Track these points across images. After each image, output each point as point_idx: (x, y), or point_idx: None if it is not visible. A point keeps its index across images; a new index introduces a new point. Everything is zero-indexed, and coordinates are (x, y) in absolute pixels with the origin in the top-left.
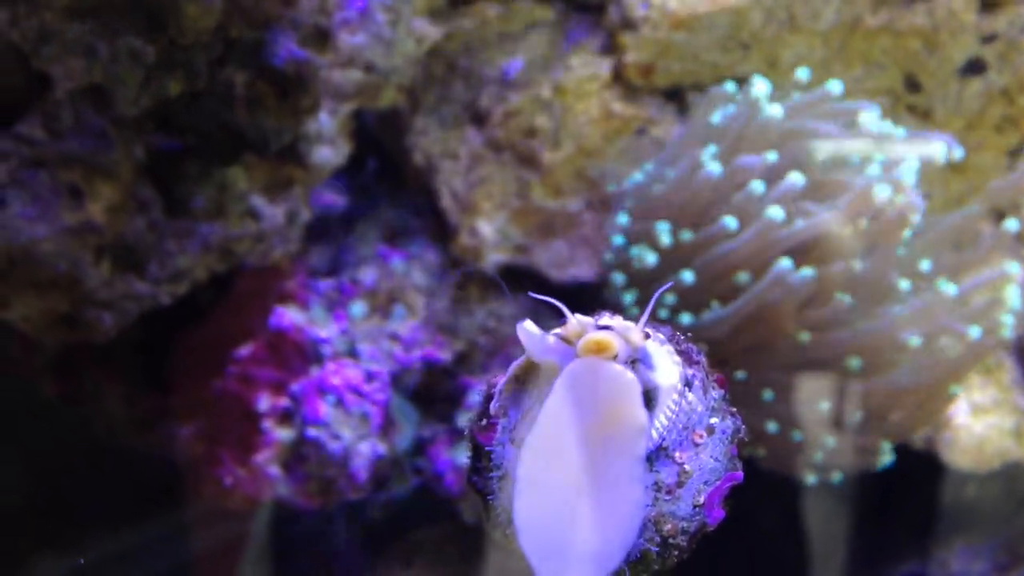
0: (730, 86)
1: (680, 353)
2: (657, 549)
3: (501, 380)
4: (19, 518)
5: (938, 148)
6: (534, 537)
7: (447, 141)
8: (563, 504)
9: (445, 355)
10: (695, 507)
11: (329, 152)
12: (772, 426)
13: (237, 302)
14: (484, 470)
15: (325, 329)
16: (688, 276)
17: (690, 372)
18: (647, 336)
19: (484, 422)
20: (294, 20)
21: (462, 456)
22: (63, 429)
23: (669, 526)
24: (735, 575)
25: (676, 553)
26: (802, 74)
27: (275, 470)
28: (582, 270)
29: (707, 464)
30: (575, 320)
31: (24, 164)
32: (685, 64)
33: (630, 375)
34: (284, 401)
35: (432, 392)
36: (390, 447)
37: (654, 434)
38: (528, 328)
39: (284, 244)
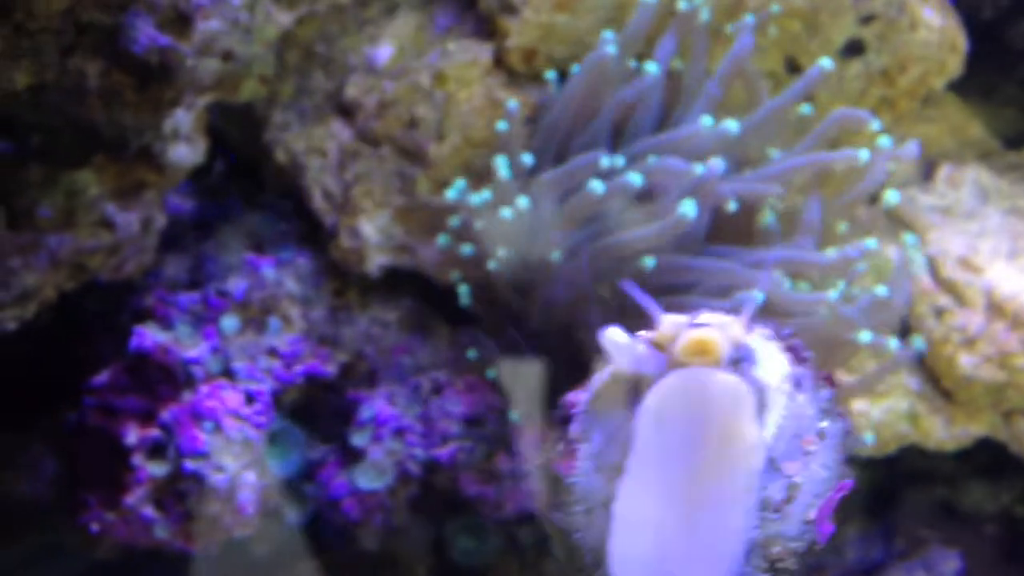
0: (611, 48)
1: (788, 350)
2: None
3: (582, 397)
4: None
5: None
6: None
7: (311, 136)
8: (665, 540)
9: (329, 368)
10: (805, 524)
11: (185, 151)
12: None
13: (89, 323)
14: (566, 504)
15: (194, 348)
16: None
17: (799, 371)
18: (750, 329)
19: (563, 448)
20: (151, 3)
21: (360, 479)
22: None
23: (778, 549)
24: None
25: None
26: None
27: (150, 511)
28: None
29: (818, 474)
30: (667, 320)
31: None
32: (569, 48)
33: (743, 386)
34: (155, 432)
35: (318, 410)
36: (278, 474)
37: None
38: (614, 336)
39: (139, 255)
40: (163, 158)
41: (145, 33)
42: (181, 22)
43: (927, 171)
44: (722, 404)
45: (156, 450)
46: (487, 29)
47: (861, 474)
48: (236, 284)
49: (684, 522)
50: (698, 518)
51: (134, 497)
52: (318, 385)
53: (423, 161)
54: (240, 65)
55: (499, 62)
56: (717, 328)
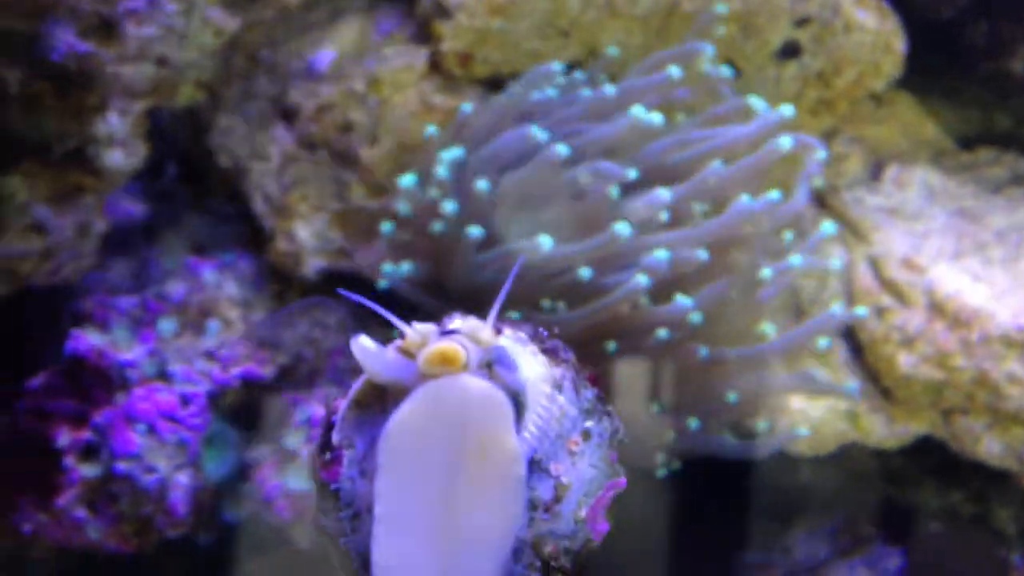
0: (556, 66)
1: (546, 352)
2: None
3: (342, 404)
4: None
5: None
6: None
7: (255, 140)
8: (429, 541)
9: (267, 371)
10: (577, 523)
11: (122, 156)
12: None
13: (25, 328)
14: (332, 510)
15: (130, 351)
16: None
17: (559, 372)
18: (499, 332)
19: (327, 455)
20: (73, 10)
21: (292, 480)
22: None
23: (550, 547)
24: None
25: None
26: (612, 52)
27: (82, 512)
28: None
29: (586, 473)
30: (412, 330)
31: None
32: (504, 52)
33: (496, 392)
34: (87, 434)
35: (255, 411)
36: (213, 475)
37: (524, 447)
38: (363, 344)
39: (76, 260)
40: (98, 163)
41: (64, 41)
42: (105, 29)
43: (875, 172)
44: (475, 413)
45: (89, 452)
46: (426, 34)
47: (811, 472)
48: (175, 287)
49: (446, 522)
50: (460, 518)
51: (66, 499)
52: (255, 387)
53: (356, 165)
54: (175, 71)
55: (436, 66)
56: (463, 336)
